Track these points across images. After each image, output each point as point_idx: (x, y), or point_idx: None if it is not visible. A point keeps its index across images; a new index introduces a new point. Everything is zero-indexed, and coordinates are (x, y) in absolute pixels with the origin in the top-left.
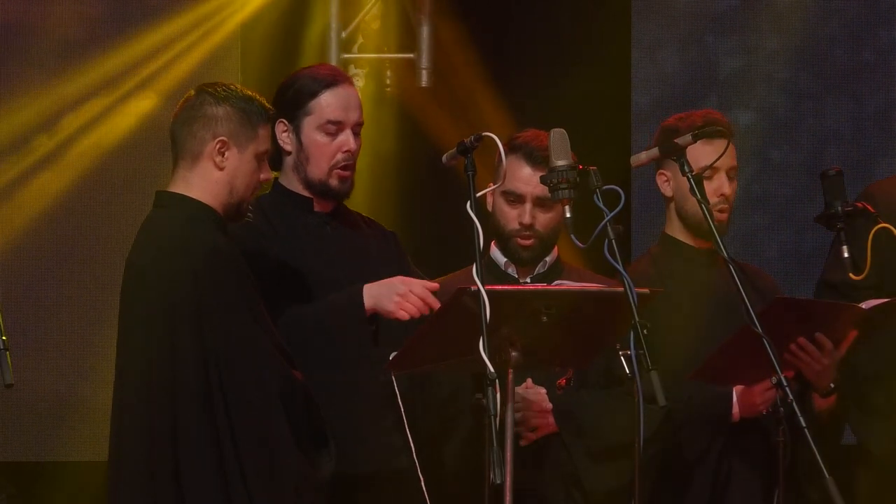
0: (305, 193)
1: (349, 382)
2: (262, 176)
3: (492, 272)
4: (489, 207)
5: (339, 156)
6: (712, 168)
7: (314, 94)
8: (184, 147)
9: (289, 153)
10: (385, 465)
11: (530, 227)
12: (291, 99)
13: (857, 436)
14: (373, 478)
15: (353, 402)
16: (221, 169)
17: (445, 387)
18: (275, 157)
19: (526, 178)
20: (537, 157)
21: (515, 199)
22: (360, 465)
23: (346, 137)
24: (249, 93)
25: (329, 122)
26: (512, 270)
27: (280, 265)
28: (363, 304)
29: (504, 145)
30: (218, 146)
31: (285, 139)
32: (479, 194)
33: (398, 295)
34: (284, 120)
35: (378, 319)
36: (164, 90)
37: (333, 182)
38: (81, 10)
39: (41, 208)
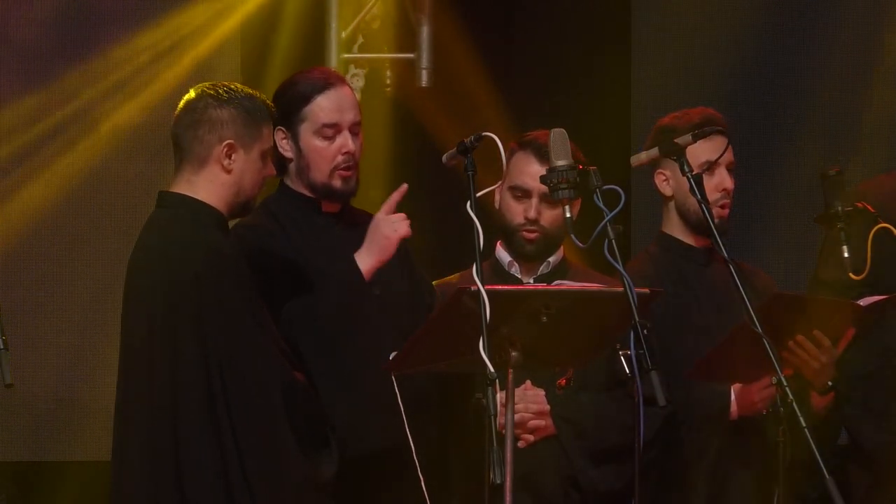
0: (312, 195)
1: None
2: (267, 172)
3: (496, 273)
4: (496, 205)
5: (339, 158)
6: (712, 164)
7: (307, 100)
8: (190, 151)
9: (290, 160)
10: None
11: (535, 221)
12: (286, 106)
13: (849, 431)
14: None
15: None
16: (229, 172)
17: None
18: (278, 163)
19: (534, 173)
20: (547, 154)
21: (523, 193)
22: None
23: (345, 139)
24: (251, 91)
25: (325, 125)
26: (515, 270)
27: (289, 266)
28: (361, 273)
29: (514, 142)
30: (225, 150)
31: (285, 146)
32: (479, 194)
33: (388, 228)
34: (282, 128)
35: (380, 282)
36: (164, 90)
37: (336, 184)
38: (82, 10)
39: (41, 209)
